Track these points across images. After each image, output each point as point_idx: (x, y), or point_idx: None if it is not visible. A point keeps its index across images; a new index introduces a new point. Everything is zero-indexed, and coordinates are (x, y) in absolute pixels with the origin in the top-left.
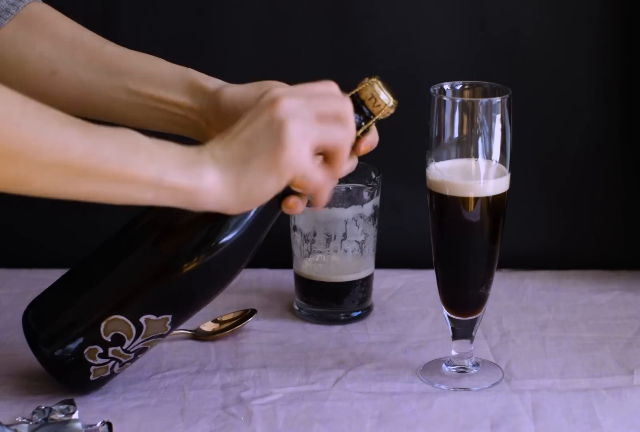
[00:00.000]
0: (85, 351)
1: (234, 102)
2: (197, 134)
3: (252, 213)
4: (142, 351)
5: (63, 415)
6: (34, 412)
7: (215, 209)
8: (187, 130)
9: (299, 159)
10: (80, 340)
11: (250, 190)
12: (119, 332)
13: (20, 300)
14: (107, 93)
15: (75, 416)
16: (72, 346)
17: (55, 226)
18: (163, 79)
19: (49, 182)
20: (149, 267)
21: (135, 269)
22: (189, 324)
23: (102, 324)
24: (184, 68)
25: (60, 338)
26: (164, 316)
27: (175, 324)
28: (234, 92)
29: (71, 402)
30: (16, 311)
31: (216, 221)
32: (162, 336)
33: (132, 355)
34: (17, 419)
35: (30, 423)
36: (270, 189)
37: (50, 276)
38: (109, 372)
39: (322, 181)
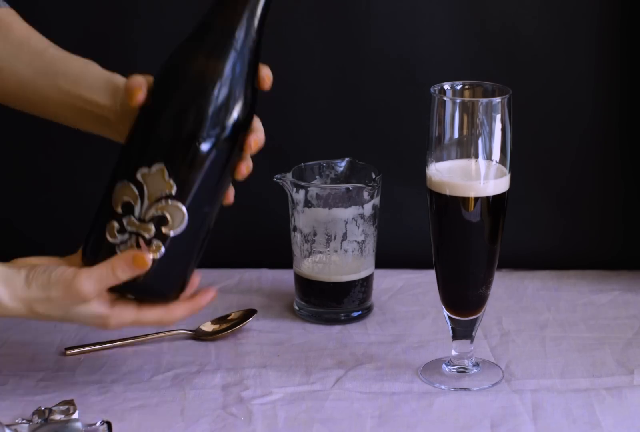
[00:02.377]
0: (106, 231)
1: None
2: (120, 136)
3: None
4: (161, 220)
5: (63, 416)
6: (34, 413)
7: None
8: (112, 132)
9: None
10: (99, 222)
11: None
12: (125, 198)
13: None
14: (42, 91)
15: (75, 416)
16: (96, 232)
17: (55, 226)
18: (91, 81)
19: None
20: (136, 124)
21: (128, 135)
22: (189, 324)
23: (112, 198)
24: (111, 73)
25: (90, 233)
26: (156, 166)
27: (177, 180)
28: None
29: (71, 403)
30: None
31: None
32: (172, 197)
33: (150, 225)
34: (17, 420)
35: (31, 424)
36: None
37: None
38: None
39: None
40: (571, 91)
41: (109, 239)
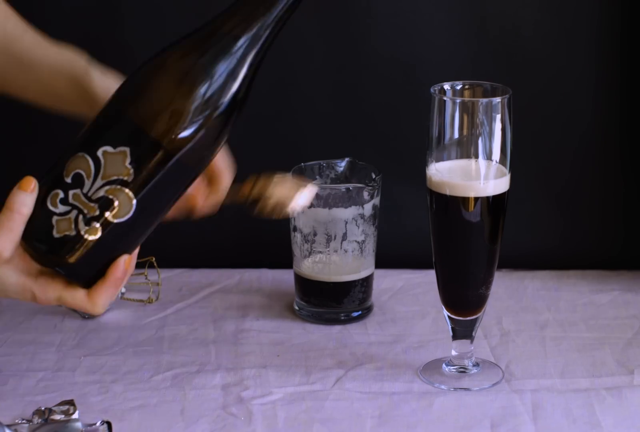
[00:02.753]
0: (49, 196)
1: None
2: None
3: None
4: (107, 204)
5: (63, 416)
6: (34, 413)
7: None
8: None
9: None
10: (45, 186)
11: None
12: (79, 171)
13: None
14: (18, 82)
15: (75, 416)
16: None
17: None
18: (62, 90)
19: None
20: (115, 99)
21: (104, 108)
22: None
23: (65, 166)
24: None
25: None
26: (120, 148)
27: (136, 170)
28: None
29: (71, 403)
30: (16, 311)
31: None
32: (126, 184)
33: (95, 206)
34: (17, 420)
35: (30, 424)
36: None
37: None
38: (74, 231)
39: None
40: (571, 91)
41: (49, 206)
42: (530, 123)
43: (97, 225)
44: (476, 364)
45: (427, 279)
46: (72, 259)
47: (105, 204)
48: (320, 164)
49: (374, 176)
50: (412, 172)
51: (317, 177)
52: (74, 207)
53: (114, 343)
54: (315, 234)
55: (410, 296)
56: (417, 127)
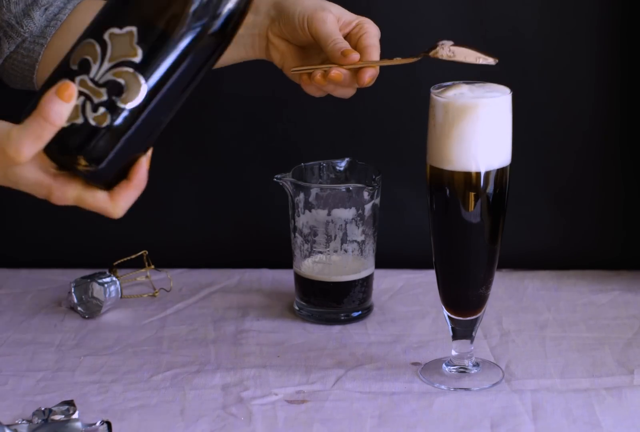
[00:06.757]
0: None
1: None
2: (259, 52)
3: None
4: (115, 87)
5: (63, 416)
6: (34, 413)
7: None
8: (249, 51)
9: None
10: (50, 81)
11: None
12: (85, 56)
13: (20, 300)
14: None
15: (75, 416)
16: (44, 90)
17: (55, 227)
18: None
19: None
20: None
21: None
22: None
23: (72, 55)
24: None
25: (39, 92)
26: (127, 29)
27: (145, 50)
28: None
29: (71, 403)
30: (16, 311)
31: None
32: (134, 66)
33: (102, 90)
34: (17, 420)
35: (30, 424)
36: None
37: (50, 276)
38: (81, 118)
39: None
40: (572, 91)
41: None
42: (531, 123)
43: (105, 110)
44: (476, 364)
45: (427, 279)
46: (85, 154)
47: (113, 87)
48: (320, 164)
49: (374, 176)
50: (412, 172)
51: (317, 177)
52: (81, 94)
53: (114, 343)
54: (315, 235)
55: (410, 296)
56: (417, 127)
